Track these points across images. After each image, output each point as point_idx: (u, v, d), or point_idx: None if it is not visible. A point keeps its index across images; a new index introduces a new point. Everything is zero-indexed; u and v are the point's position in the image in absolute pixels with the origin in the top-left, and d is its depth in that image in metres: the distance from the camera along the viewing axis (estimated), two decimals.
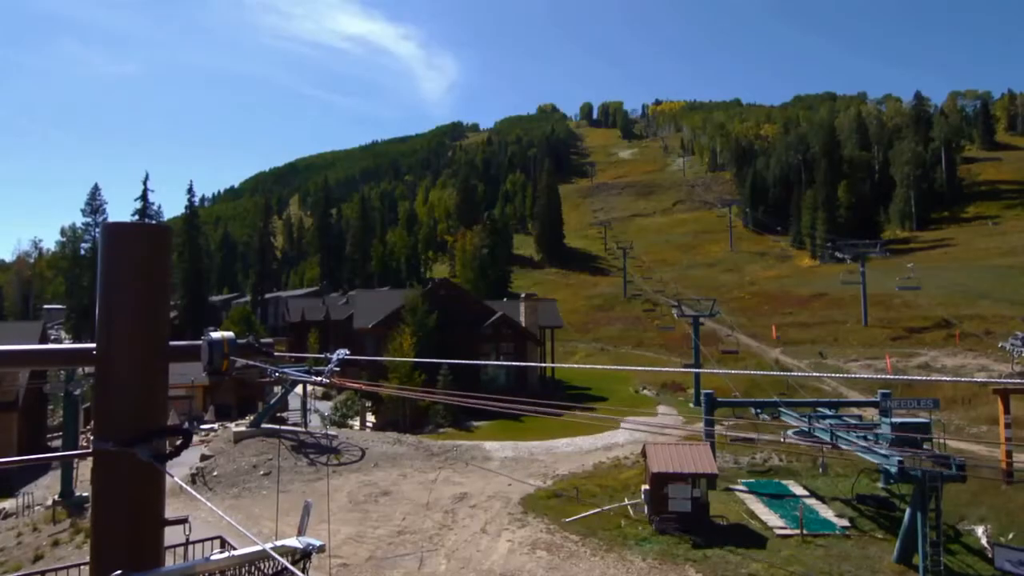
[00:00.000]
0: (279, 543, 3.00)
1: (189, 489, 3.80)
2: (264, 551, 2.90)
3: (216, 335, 3.62)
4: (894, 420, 16.89)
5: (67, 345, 3.56)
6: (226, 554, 2.86)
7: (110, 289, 3.53)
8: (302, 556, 2.91)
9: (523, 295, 52.24)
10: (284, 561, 2.75)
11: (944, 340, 51.45)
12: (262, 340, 4.06)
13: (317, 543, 2.97)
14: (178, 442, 3.24)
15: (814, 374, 8.44)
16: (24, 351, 3.74)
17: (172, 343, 3.84)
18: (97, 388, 3.51)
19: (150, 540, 3.07)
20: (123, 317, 3.48)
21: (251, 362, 3.75)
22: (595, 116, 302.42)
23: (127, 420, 3.29)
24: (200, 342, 3.72)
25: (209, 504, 4.13)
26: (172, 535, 3.47)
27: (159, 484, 3.29)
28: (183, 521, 3.78)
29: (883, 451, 16.67)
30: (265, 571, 2.88)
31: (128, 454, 3.19)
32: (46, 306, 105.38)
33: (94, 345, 3.60)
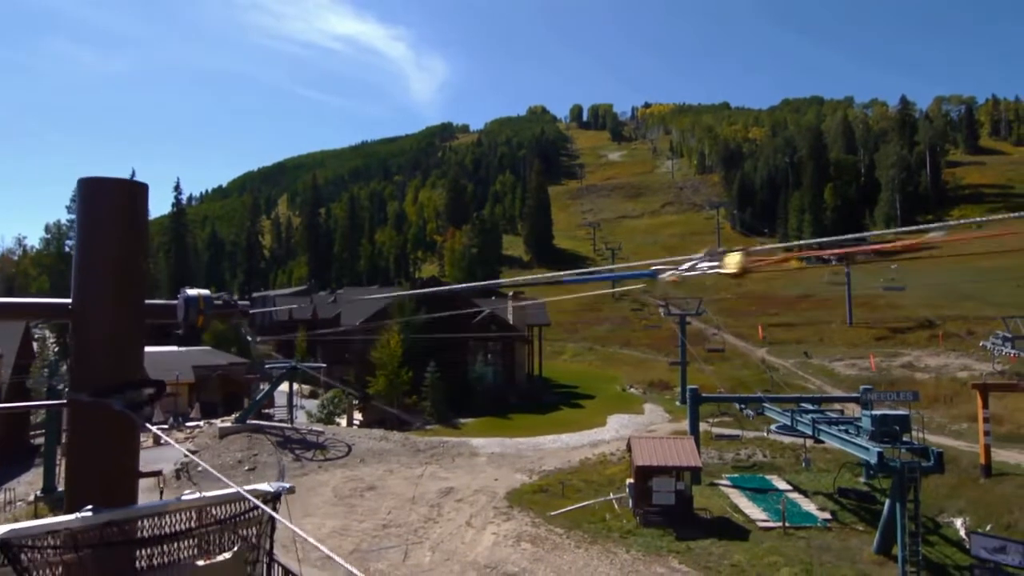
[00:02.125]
0: (252, 487, 3.07)
1: (163, 435, 3.85)
2: (237, 493, 2.97)
3: (192, 292, 3.69)
4: (874, 413, 17.13)
5: (43, 299, 3.61)
6: (198, 494, 2.92)
7: (87, 243, 3.58)
8: (273, 497, 2.98)
9: (511, 293, 52.35)
10: (257, 501, 2.81)
11: (927, 340, 52.07)
12: (237, 300, 4.13)
13: (287, 485, 3.05)
14: (151, 392, 3.30)
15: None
16: (1, 303, 3.79)
17: (149, 301, 3.90)
18: (73, 341, 3.58)
19: (124, 487, 3.12)
20: (99, 271, 3.53)
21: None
22: (585, 118, 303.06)
23: (102, 372, 3.35)
24: (176, 301, 3.79)
25: (179, 447, 4.16)
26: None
27: (133, 434, 3.34)
28: (157, 474, 3.85)
29: (863, 442, 16.89)
30: (238, 510, 2.94)
31: (102, 404, 3.25)
32: None
33: (70, 300, 3.66)
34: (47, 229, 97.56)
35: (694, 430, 24.82)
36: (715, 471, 25.89)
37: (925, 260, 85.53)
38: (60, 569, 2.42)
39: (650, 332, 62.99)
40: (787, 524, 19.60)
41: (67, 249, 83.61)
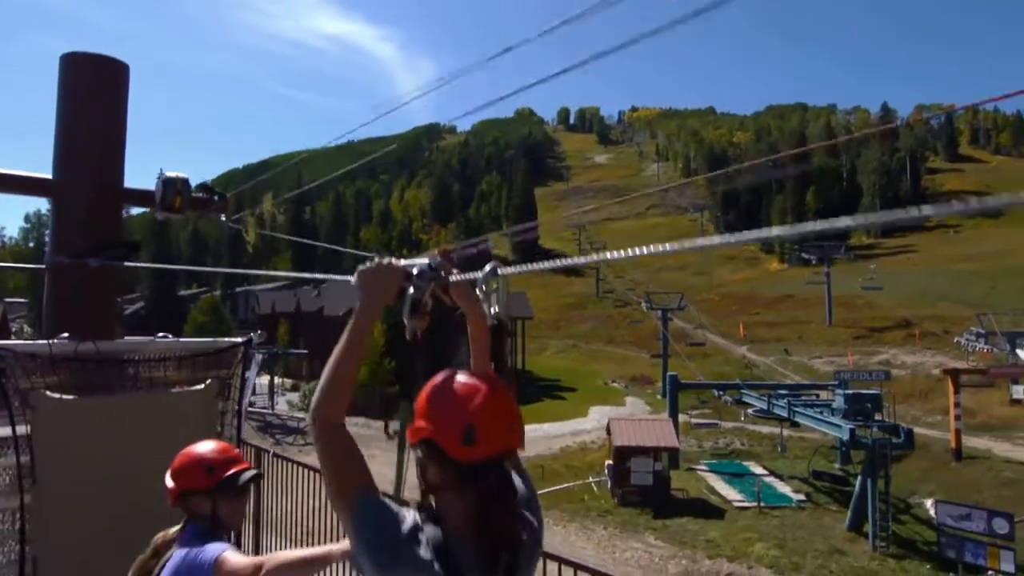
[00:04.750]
0: (226, 339, 3.21)
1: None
2: (211, 342, 3.11)
3: (171, 174, 3.83)
4: (847, 392, 17.49)
5: (25, 173, 3.71)
6: (172, 338, 3.05)
7: (67, 120, 3.70)
8: (244, 344, 3.12)
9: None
10: (239, 342, 2.96)
11: (904, 339, 52.87)
12: (217, 192, 4.27)
13: (259, 332, 3.19)
14: (125, 251, 3.42)
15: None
16: None
17: (127, 187, 4.03)
18: (54, 216, 3.70)
19: (103, 329, 3.24)
20: (79, 144, 3.65)
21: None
22: (572, 121, 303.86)
23: (80, 240, 3.48)
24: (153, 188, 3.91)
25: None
26: None
27: (111, 287, 3.47)
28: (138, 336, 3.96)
29: (836, 421, 17.24)
30: (211, 353, 3.07)
31: (80, 265, 3.38)
32: (8, 300, 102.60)
33: (50, 176, 3.77)
34: (27, 219, 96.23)
35: (673, 415, 25.10)
36: (693, 458, 26.17)
37: (903, 262, 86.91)
38: (40, 380, 2.54)
39: (633, 329, 63.39)
40: (762, 504, 19.90)
41: (46, 239, 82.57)
